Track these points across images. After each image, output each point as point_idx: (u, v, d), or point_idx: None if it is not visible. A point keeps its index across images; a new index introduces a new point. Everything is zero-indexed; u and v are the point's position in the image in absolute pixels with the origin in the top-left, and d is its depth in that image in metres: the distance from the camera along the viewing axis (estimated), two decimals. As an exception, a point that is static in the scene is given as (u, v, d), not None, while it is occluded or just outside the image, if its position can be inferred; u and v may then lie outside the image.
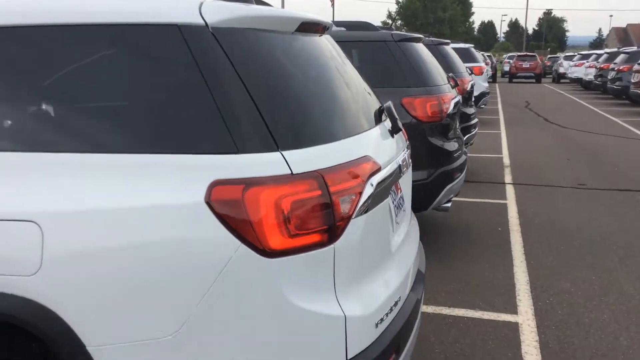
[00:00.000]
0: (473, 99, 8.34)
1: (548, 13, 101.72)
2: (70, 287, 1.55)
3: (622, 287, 4.09)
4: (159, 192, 1.55)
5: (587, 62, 26.14)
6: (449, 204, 4.69)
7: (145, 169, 1.57)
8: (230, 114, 1.59)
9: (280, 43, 1.88)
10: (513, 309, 3.76)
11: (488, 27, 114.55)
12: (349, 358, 1.68)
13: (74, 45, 1.68)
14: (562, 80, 33.43)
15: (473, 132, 7.59)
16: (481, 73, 12.74)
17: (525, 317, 3.64)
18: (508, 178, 7.62)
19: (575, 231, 5.36)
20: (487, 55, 30.08)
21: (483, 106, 13.64)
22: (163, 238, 1.54)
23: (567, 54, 37.73)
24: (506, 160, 8.87)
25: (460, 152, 4.89)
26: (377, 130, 2.16)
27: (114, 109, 1.65)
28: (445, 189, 4.46)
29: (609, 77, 19.99)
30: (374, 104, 2.36)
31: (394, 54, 4.47)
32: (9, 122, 1.69)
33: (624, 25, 76.29)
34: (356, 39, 4.51)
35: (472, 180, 7.26)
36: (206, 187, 1.54)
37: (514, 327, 3.51)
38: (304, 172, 1.60)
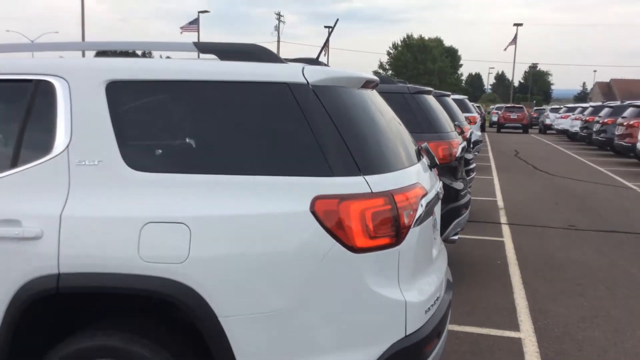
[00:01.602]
0: (472, 146, 9.04)
1: (533, 67, 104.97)
2: (208, 272, 2.09)
3: (610, 311, 4.67)
4: (277, 203, 2.12)
5: (573, 114, 27.29)
6: (456, 237, 5.27)
7: (267, 187, 2.15)
8: (327, 147, 2.19)
9: (353, 96, 2.50)
10: (516, 327, 4.31)
11: (475, 79, 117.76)
12: (407, 334, 2.23)
13: (222, 96, 2.28)
14: (548, 131, 34.64)
15: (472, 176, 8.24)
16: (475, 122, 13.56)
17: (526, 334, 4.19)
18: (503, 219, 8.25)
19: (567, 265, 5.96)
20: (477, 106, 31.17)
21: (476, 153, 14.39)
22: (278, 236, 2.11)
23: (554, 107, 39.11)
24: (500, 203, 9.52)
25: (465, 191, 5.51)
26: (420, 165, 2.76)
27: (247, 142, 2.24)
28: (454, 223, 5.06)
29: (594, 129, 20.99)
30: (413, 144, 2.98)
31: (410, 104, 5.14)
32: (171, 152, 2.27)
33: (607, 79, 79.04)
34: (379, 91, 5.17)
35: (472, 220, 7.85)
36: (310, 200, 2.12)
37: (518, 342, 4.06)
38: (380, 192, 2.19)
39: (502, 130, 35.26)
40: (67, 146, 2.25)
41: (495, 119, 37.46)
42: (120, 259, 2.12)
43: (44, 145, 2.27)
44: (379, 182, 2.22)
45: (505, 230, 7.55)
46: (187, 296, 2.09)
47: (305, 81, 2.27)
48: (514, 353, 3.86)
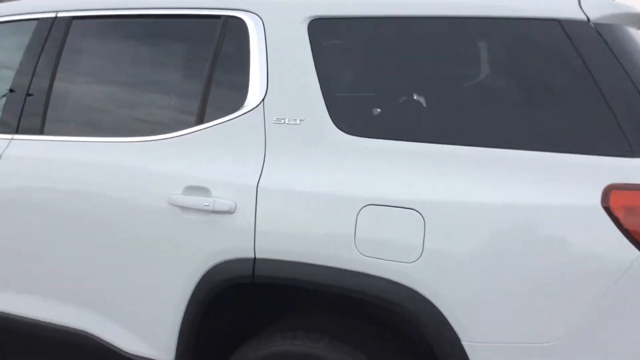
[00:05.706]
0: None
1: None
2: (450, 277, 1.53)
3: None
4: (551, 192, 1.50)
5: None
6: None
7: (535, 168, 1.53)
8: (623, 112, 1.52)
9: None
10: None
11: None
12: None
13: (453, 38, 1.68)
14: None
15: None
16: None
17: None
18: None
19: None
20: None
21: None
22: (553, 239, 1.49)
23: None
24: None
25: None
26: None
27: (502, 103, 1.63)
28: None
29: None
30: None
31: None
32: (396, 112, 1.71)
33: None
34: None
35: None
36: (601, 190, 1.47)
37: None
38: None
39: None
40: (263, 100, 1.76)
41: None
42: (331, 249, 1.61)
43: (234, 98, 1.80)
44: None
45: None
46: (420, 308, 1.55)
47: (584, 17, 1.60)
48: None
